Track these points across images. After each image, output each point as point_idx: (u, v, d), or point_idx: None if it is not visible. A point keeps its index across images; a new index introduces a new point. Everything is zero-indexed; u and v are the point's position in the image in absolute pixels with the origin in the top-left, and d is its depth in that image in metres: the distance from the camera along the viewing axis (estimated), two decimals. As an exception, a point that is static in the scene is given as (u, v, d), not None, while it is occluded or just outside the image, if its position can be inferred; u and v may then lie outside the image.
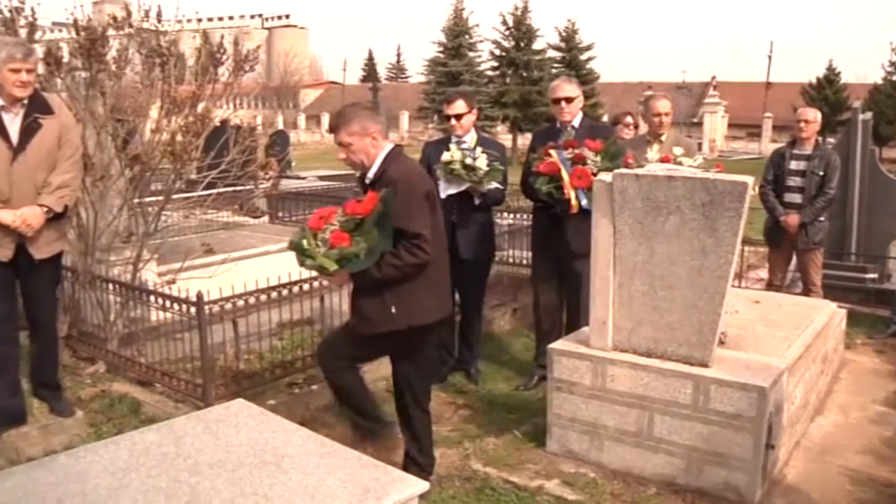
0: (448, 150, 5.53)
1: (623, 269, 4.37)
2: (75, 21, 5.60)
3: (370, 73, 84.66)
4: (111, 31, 5.84)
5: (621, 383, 4.36)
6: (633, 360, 4.36)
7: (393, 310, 3.99)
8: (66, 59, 5.78)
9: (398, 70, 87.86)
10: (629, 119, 7.68)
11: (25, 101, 4.44)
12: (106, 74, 5.74)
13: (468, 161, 5.43)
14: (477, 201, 5.65)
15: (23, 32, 5.71)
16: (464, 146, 5.58)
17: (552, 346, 4.69)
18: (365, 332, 4.09)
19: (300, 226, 4.11)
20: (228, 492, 2.84)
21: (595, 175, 5.16)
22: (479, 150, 5.54)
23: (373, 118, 4.05)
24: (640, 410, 4.32)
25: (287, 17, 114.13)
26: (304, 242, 3.90)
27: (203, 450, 3.20)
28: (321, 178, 16.97)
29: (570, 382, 4.53)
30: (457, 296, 6.04)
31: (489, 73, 41.49)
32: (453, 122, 5.71)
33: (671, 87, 45.21)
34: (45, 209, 4.48)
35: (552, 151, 5.38)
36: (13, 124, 4.42)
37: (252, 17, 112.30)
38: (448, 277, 4.35)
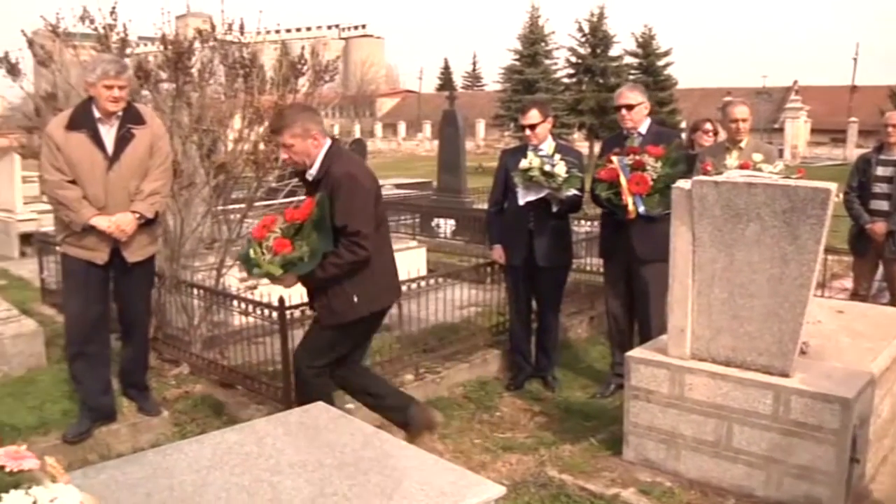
0: (525, 157, 5.56)
1: (702, 277, 4.32)
2: (163, 35, 5.79)
3: (446, 81, 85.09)
4: (196, 45, 6.02)
5: (699, 392, 4.31)
6: (711, 368, 4.30)
7: (355, 299, 4.24)
8: (152, 72, 5.99)
9: (474, 78, 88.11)
10: (708, 126, 7.58)
11: (120, 113, 4.63)
12: (191, 86, 5.92)
13: (546, 168, 5.44)
14: (555, 208, 5.67)
15: (114, 48, 5.93)
16: (541, 153, 5.59)
17: (630, 353, 4.66)
18: (332, 322, 4.31)
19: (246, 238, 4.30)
20: (308, 491, 2.89)
21: (654, 181, 5.17)
22: (557, 156, 5.55)
23: (313, 119, 4.28)
24: (718, 420, 4.26)
25: (364, 27, 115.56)
26: (251, 252, 4.14)
27: (284, 450, 3.26)
28: (398, 185, 17.16)
29: (647, 390, 4.50)
30: (534, 303, 6.07)
31: (565, 80, 41.28)
32: (528, 131, 5.73)
33: (751, 92, 44.33)
34: (138, 215, 4.66)
35: (613, 158, 5.40)
36: (109, 135, 4.62)
37: (329, 27, 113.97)
38: (395, 263, 4.64)
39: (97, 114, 4.59)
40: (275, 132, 4.26)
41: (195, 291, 5.88)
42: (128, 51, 5.90)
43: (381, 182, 14.85)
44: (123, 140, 4.65)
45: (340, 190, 4.11)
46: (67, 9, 6.19)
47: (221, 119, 5.95)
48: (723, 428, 4.24)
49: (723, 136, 6.68)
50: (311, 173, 4.27)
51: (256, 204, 6.22)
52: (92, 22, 6.03)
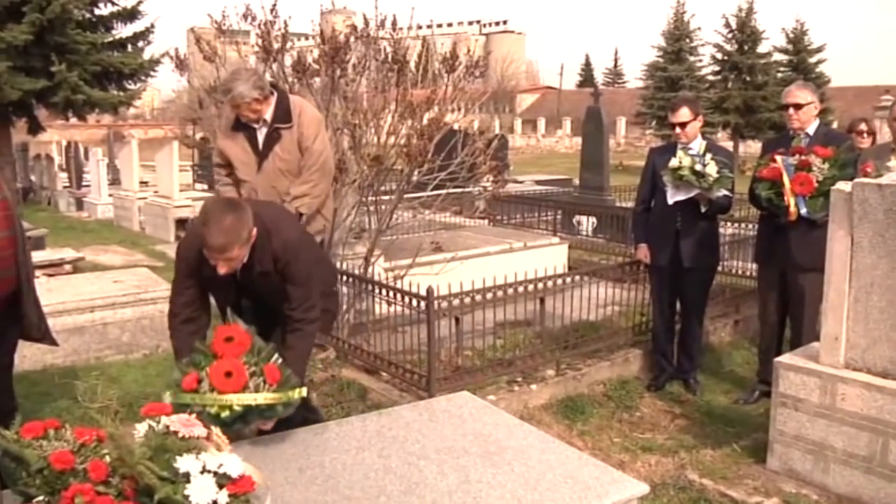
0: (675, 156, 5.48)
1: (860, 284, 4.16)
2: (321, 31, 6.00)
3: (587, 77, 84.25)
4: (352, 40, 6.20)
5: (852, 403, 4.15)
6: (866, 379, 4.13)
7: None
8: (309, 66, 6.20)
9: (615, 75, 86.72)
10: (863, 126, 7.24)
11: (267, 116, 4.77)
12: (344, 80, 6.10)
13: (698, 167, 5.35)
14: (703, 209, 5.56)
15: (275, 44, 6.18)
16: (691, 152, 5.50)
17: (779, 359, 4.54)
18: None
19: (195, 411, 2.99)
20: (454, 477, 2.97)
21: (819, 183, 4.98)
22: (708, 156, 5.45)
23: (247, 216, 3.46)
24: (872, 434, 4.09)
25: (504, 22, 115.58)
26: (243, 406, 3.11)
27: (430, 436, 3.36)
28: (538, 182, 17.18)
29: (796, 398, 4.37)
30: (678, 304, 5.98)
31: (710, 77, 40.11)
32: (678, 130, 5.64)
33: (912, 91, 41.78)
34: None
35: (777, 157, 5.22)
36: (261, 135, 4.83)
37: (470, 23, 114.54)
38: None
39: None
40: (217, 251, 3.35)
41: (343, 278, 6.02)
42: (287, 46, 6.13)
43: (520, 178, 15.00)
44: (271, 140, 4.81)
45: (289, 269, 3.66)
46: (231, 7, 6.50)
47: (376, 112, 6.11)
48: (877, 443, 4.07)
49: (885, 137, 6.38)
50: (243, 261, 3.55)
51: (406, 196, 6.37)
52: (254, 19, 6.30)
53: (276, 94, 4.82)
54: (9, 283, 3.68)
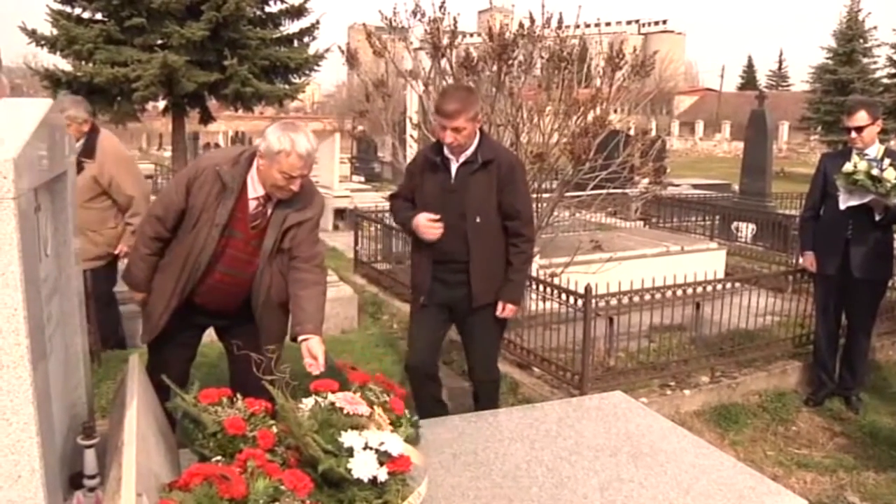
0: (849, 161, 5.26)
1: None
2: (489, 29, 6.08)
3: (749, 80, 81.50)
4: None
5: None
6: None
7: None
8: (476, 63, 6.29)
9: (779, 77, 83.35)
10: None
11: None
12: (509, 77, 6.16)
13: (874, 172, 5.11)
14: (878, 217, 5.30)
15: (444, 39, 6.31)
16: (867, 157, 5.27)
17: (955, 380, 4.30)
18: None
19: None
20: (605, 475, 2.98)
21: None
22: (886, 161, 5.19)
23: (478, 100, 4.26)
24: None
25: (664, 22, 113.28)
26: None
27: (583, 433, 3.38)
28: (695, 186, 16.81)
29: (973, 423, 4.13)
30: (843, 317, 5.74)
31: (885, 80, 37.94)
32: (853, 134, 5.40)
33: None
34: None
35: None
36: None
37: (628, 22, 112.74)
38: None
39: None
40: (447, 116, 3.94)
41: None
42: (455, 42, 6.24)
43: (677, 182, 14.65)
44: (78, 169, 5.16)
45: (515, 174, 4.15)
46: (401, 4, 6.68)
47: (540, 109, 6.14)
48: None
49: None
50: (466, 155, 4.10)
51: (567, 194, 6.37)
52: (423, 16, 6.44)
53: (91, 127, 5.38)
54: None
